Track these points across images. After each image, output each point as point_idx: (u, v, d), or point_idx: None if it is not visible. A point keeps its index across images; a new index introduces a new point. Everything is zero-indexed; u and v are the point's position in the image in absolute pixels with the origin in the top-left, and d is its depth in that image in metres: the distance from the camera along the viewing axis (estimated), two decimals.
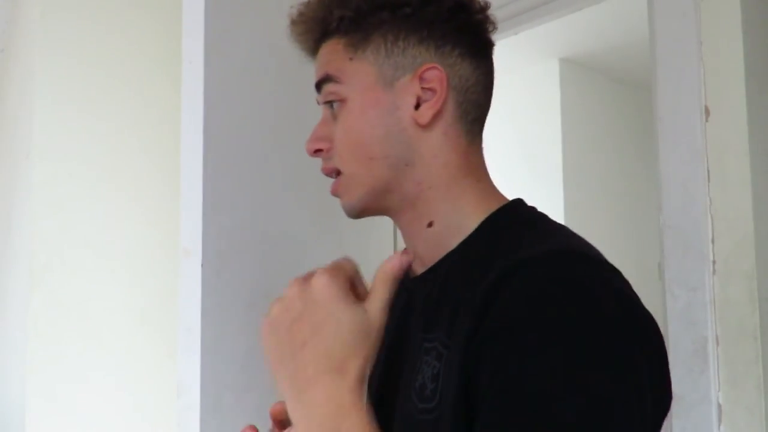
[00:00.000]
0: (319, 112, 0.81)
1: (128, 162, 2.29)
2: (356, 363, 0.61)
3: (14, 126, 2.59)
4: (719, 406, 1.18)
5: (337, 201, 0.81)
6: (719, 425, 1.17)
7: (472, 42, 0.77)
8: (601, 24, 3.16)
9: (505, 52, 3.99)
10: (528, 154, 3.68)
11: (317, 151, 0.79)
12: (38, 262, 2.14)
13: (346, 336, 0.61)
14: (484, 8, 0.78)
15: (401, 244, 0.84)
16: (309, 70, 0.81)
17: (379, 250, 1.44)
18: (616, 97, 3.83)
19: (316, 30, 0.78)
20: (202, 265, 1.14)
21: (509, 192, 0.81)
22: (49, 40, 2.22)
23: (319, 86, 0.79)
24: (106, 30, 2.29)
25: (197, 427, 1.10)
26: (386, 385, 0.79)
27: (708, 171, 1.22)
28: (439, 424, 0.65)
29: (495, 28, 0.79)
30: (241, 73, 1.21)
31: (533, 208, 0.77)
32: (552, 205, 3.47)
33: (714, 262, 1.21)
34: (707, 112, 1.24)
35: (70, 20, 2.25)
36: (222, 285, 1.16)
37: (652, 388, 0.61)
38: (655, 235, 1.32)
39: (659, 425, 0.66)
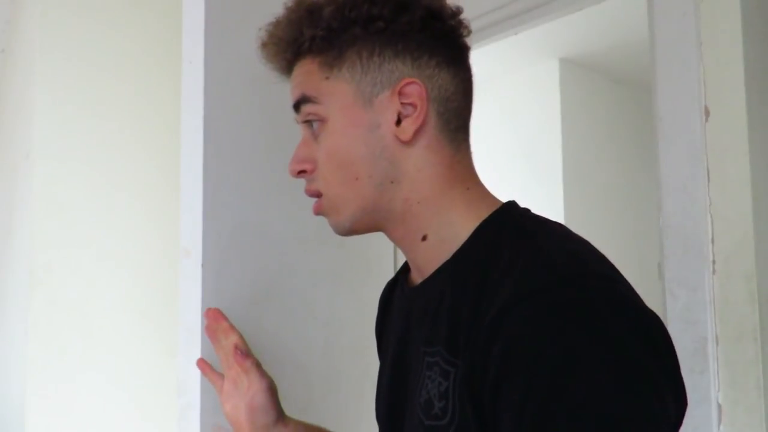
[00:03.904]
0: None
1: (128, 162, 2.29)
2: None
3: (14, 126, 2.59)
4: (719, 406, 1.18)
5: None
6: (719, 425, 1.17)
7: (448, 49, 0.75)
8: (601, 24, 3.16)
9: (505, 52, 3.96)
10: (528, 154, 3.68)
11: (301, 173, 0.79)
12: (38, 262, 2.14)
13: None
14: (456, 13, 0.77)
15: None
16: None
17: (380, 250, 1.43)
18: (616, 97, 3.83)
19: (289, 51, 0.77)
20: (202, 265, 1.13)
21: (509, 192, 0.81)
22: (49, 40, 2.22)
23: (296, 106, 0.77)
24: (106, 30, 2.29)
25: (197, 427, 1.10)
26: (395, 396, 0.79)
27: (708, 171, 1.22)
28: None
29: (469, 32, 0.78)
30: (241, 73, 1.21)
31: (526, 211, 0.75)
32: (552, 205, 3.47)
33: (714, 262, 1.21)
34: (707, 112, 1.23)
35: (70, 20, 2.25)
36: (222, 285, 1.15)
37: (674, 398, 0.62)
38: (655, 235, 1.32)
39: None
